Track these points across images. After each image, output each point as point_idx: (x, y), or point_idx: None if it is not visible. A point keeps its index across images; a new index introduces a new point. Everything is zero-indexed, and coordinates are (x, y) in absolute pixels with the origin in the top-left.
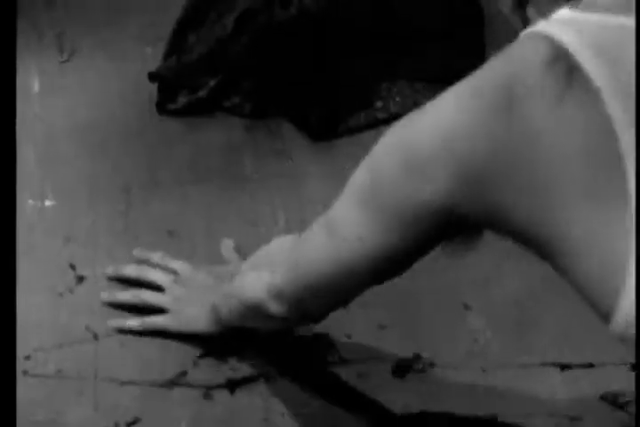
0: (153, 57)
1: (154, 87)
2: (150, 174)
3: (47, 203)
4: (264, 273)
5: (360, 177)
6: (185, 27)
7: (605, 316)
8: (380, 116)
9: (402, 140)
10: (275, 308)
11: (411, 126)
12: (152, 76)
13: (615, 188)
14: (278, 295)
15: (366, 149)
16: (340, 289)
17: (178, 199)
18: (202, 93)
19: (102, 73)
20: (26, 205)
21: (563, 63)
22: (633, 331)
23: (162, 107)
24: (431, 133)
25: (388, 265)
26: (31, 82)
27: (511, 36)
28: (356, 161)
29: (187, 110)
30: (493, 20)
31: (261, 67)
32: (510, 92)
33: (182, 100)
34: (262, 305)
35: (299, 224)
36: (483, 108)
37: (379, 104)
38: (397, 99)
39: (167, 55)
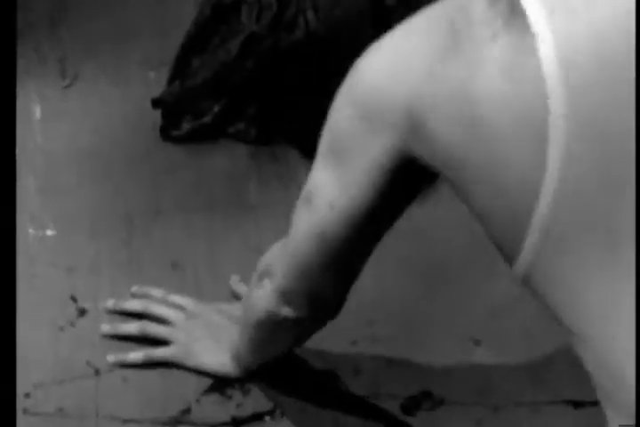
0: (156, 81)
1: (157, 113)
2: (153, 202)
3: (48, 232)
4: (265, 281)
5: (323, 138)
6: (188, 52)
7: (510, 259)
8: None
9: (350, 86)
10: (286, 310)
11: (356, 69)
12: (155, 103)
13: (537, 132)
14: (283, 295)
15: None
16: (330, 263)
17: (181, 228)
18: (206, 119)
19: (105, 98)
20: (27, 234)
21: (505, 2)
22: (532, 274)
23: (165, 133)
24: (377, 68)
25: (364, 229)
26: (32, 108)
27: None
28: None
29: (191, 137)
30: None
31: (267, 92)
32: (452, 26)
33: (186, 126)
34: (274, 313)
35: None
36: (425, 42)
37: None
38: None
39: (171, 80)
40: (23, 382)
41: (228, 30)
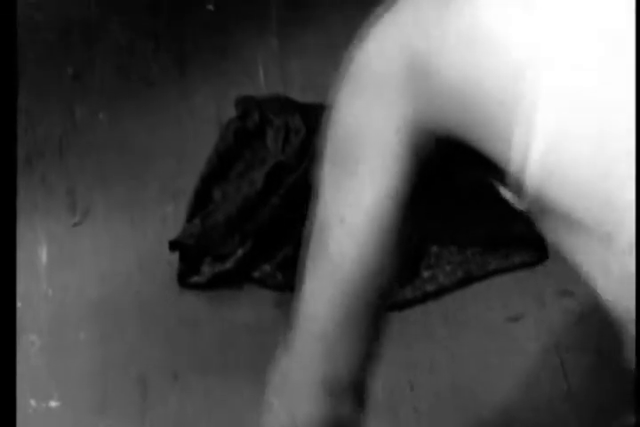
0: (174, 215)
1: (175, 255)
2: (169, 363)
3: (52, 403)
4: (273, 401)
5: (323, 157)
6: (209, 182)
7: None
8: (429, 288)
9: (348, 76)
10: (304, 410)
11: (350, 61)
12: (173, 245)
13: None
14: (294, 399)
15: (415, 326)
16: (346, 315)
17: (201, 395)
18: (229, 265)
19: (117, 238)
20: (27, 406)
21: None
22: (530, 173)
23: (184, 279)
24: (369, 49)
25: (380, 247)
26: (39, 250)
27: None
28: (402, 342)
29: (211, 283)
30: None
31: (295, 232)
32: None
33: (206, 270)
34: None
35: None
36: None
37: (426, 274)
38: (447, 268)
39: (190, 218)
40: None
41: (253, 156)
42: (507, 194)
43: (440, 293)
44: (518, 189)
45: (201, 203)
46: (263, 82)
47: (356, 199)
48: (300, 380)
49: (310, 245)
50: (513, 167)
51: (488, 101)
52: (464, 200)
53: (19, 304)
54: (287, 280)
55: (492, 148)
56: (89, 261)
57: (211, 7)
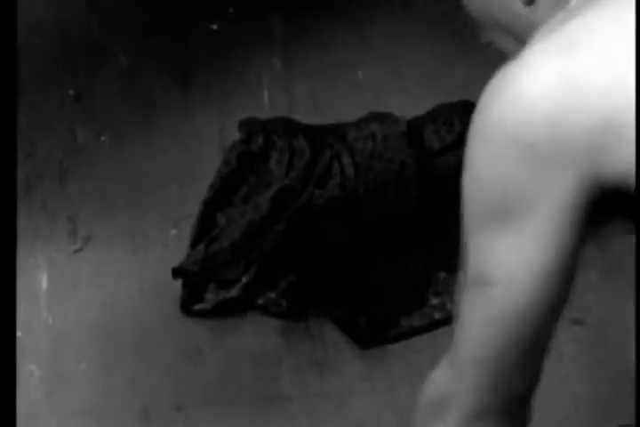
0: (177, 240)
1: (178, 282)
2: (172, 394)
3: None
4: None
5: (474, 206)
6: (213, 207)
7: None
8: (438, 315)
9: (509, 123)
10: None
11: (513, 100)
12: (176, 272)
13: None
14: (475, 420)
15: (424, 357)
16: (519, 348)
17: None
18: (233, 292)
19: (119, 264)
20: None
21: None
22: None
23: (187, 307)
24: (549, 95)
25: (552, 291)
26: (39, 276)
27: None
28: (412, 374)
29: (215, 311)
30: None
31: (300, 258)
32: None
33: (210, 297)
34: None
35: None
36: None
37: (435, 301)
38: None
39: (194, 243)
40: None
41: (257, 180)
42: None
43: (449, 320)
44: None
45: (205, 228)
46: (267, 104)
47: (525, 255)
48: (469, 409)
49: (469, 298)
50: None
51: None
52: None
53: (18, 333)
54: (291, 307)
55: None
56: (90, 288)
57: (215, 28)
